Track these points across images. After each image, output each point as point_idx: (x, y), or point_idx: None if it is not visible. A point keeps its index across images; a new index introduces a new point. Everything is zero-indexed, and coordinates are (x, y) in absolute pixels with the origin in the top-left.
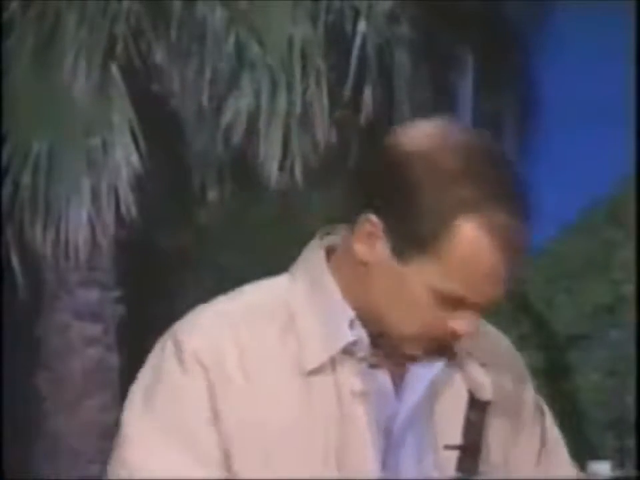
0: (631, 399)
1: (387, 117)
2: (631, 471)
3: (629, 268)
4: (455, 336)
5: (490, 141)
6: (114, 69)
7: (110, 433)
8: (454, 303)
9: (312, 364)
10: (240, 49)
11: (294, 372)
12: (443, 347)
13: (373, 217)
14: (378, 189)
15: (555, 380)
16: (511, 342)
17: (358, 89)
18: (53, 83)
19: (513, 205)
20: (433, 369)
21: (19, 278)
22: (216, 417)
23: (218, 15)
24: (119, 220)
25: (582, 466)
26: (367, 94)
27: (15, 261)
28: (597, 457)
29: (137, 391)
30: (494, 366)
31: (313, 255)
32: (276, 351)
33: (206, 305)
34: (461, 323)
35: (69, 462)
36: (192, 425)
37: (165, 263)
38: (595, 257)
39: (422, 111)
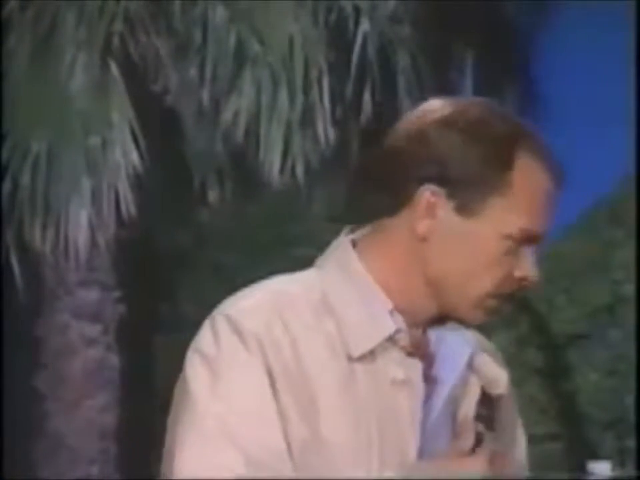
0: (630, 399)
1: (387, 116)
2: (630, 471)
3: (628, 268)
4: (524, 283)
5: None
6: (113, 68)
7: (110, 432)
8: (523, 242)
9: (358, 351)
10: (241, 47)
11: (338, 358)
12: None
13: (433, 187)
14: (426, 157)
15: (554, 380)
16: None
17: (359, 88)
18: (52, 82)
19: (541, 139)
20: (461, 360)
21: (19, 278)
22: (275, 396)
23: (219, 14)
24: (118, 220)
25: (582, 465)
26: (368, 93)
27: (14, 261)
28: (597, 456)
29: (199, 372)
30: (495, 358)
31: (341, 248)
32: (319, 337)
33: (242, 292)
34: (527, 268)
35: (69, 462)
36: (265, 405)
37: (164, 263)
38: (595, 257)
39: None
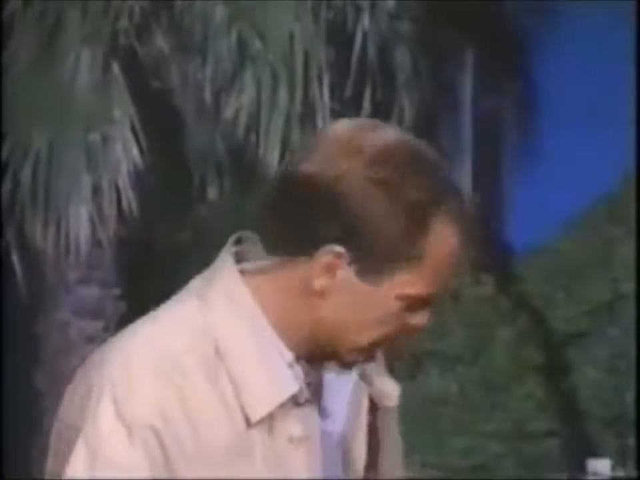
0: (630, 397)
1: (387, 114)
2: (630, 469)
3: (628, 266)
4: (414, 331)
5: (412, 139)
6: (115, 65)
7: None
8: (422, 302)
9: (256, 415)
10: (241, 44)
11: (235, 423)
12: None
13: (338, 248)
14: (335, 219)
15: (554, 377)
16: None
17: (359, 85)
18: (53, 78)
19: (460, 194)
20: (347, 387)
21: (19, 275)
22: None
23: (219, 11)
24: (119, 216)
25: (582, 463)
26: (368, 90)
27: (15, 258)
28: (597, 454)
29: (75, 459)
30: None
31: (230, 279)
32: (211, 396)
33: (127, 344)
34: (421, 317)
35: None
36: None
37: (164, 260)
38: (594, 255)
39: (422, 108)
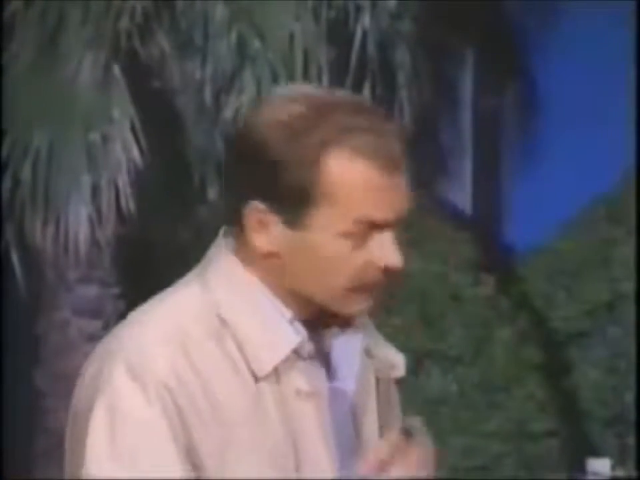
0: (630, 397)
1: (387, 114)
2: (630, 469)
3: (628, 265)
4: (389, 272)
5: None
6: (114, 65)
7: None
8: (368, 232)
9: (262, 370)
10: (241, 44)
11: (245, 381)
12: (374, 297)
13: (256, 203)
14: (247, 175)
15: (554, 377)
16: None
17: (359, 85)
18: (53, 77)
19: (372, 123)
20: (356, 350)
21: (19, 274)
22: (187, 436)
23: (219, 11)
24: (118, 216)
25: (582, 463)
26: (368, 89)
27: (14, 257)
28: (597, 454)
29: (98, 436)
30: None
31: (222, 258)
32: (218, 358)
33: (135, 323)
34: (386, 255)
35: None
36: (163, 459)
37: (164, 260)
38: (594, 255)
39: (422, 108)
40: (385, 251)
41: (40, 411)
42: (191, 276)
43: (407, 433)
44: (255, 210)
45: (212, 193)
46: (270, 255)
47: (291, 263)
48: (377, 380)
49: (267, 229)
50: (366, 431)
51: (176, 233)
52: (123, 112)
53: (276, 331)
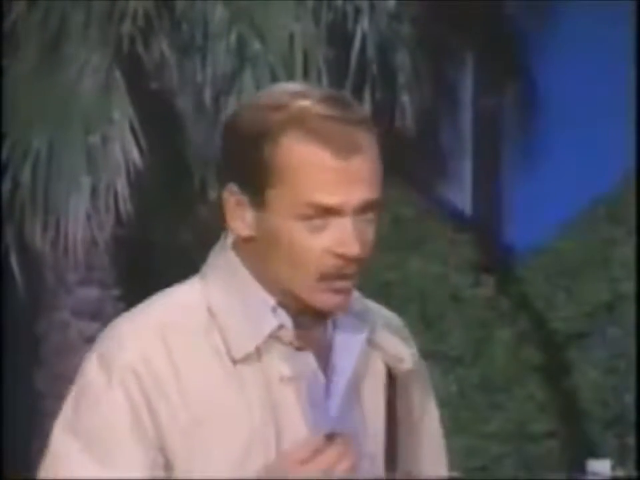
0: (630, 397)
1: (387, 115)
2: (630, 469)
3: (628, 266)
4: (347, 258)
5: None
6: (115, 67)
7: None
8: (322, 217)
9: (239, 352)
10: (241, 45)
11: (222, 364)
12: (343, 288)
13: (232, 185)
14: (225, 158)
15: (554, 378)
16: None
17: (358, 86)
18: (53, 80)
19: (337, 111)
20: (357, 345)
21: (18, 276)
22: (154, 420)
23: (219, 12)
24: (118, 218)
25: (582, 464)
26: (367, 91)
27: (14, 259)
28: (597, 454)
29: (64, 408)
30: (399, 333)
31: (221, 252)
32: (202, 348)
33: (123, 316)
34: (345, 242)
35: None
36: (117, 439)
37: (164, 261)
38: (594, 255)
39: (422, 108)
40: (343, 238)
41: (40, 412)
42: (200, 272)
43: (331, 437)
44: (230, 192)
45: (212, 194)
46: (248, 239)
47: (265, 249)
48: (392, 374)
49: (242, 212)
50: (367, 422)
51: (176, 234)
52: (122, 113)
53: (255, 317)
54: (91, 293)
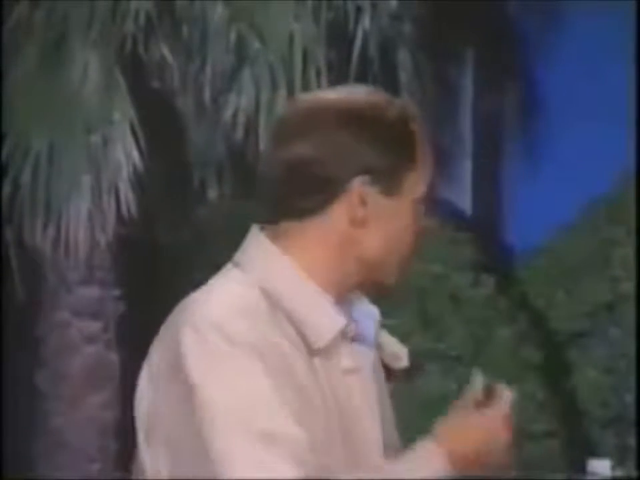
0: (630, 397)
1: None
2: (631, 469)
3: (628, 266)
4: (423, 232)
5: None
6: (115, 67)
7: (110, 430)
8: (423, 201)
9: (318, 343)
10: (241, 45)
11: (300, 353)
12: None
13: (360, 177)
14: (350, 157)
15: (554, 377)
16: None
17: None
18: (54, 80)
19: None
20: (371, 322)
21: (19, 276)
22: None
23: (219, 11)
24: (118, 217)
25: (582, 464)
26: None
27: (14, 259)
28: (597, 454)
29: (208, 384)
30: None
31: (263, 247)
32: (285, 336)
33: (196, 300)
34: (424, 218)
35: (68, 459)
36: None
37: (164, 261)
38: (594, 255)
39: (423, 108)
40: (426, 221)
41: (40, 412)
42: (228, 266)
43: (490, 392)
44: (358, 184)
45: (211, 194)
46: (359, 227)
47: (376, 233)
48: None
49: (365, 201)
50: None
51: (176, 233)
52: (123, 113)
53: (326, 311)
54: (92, 292)
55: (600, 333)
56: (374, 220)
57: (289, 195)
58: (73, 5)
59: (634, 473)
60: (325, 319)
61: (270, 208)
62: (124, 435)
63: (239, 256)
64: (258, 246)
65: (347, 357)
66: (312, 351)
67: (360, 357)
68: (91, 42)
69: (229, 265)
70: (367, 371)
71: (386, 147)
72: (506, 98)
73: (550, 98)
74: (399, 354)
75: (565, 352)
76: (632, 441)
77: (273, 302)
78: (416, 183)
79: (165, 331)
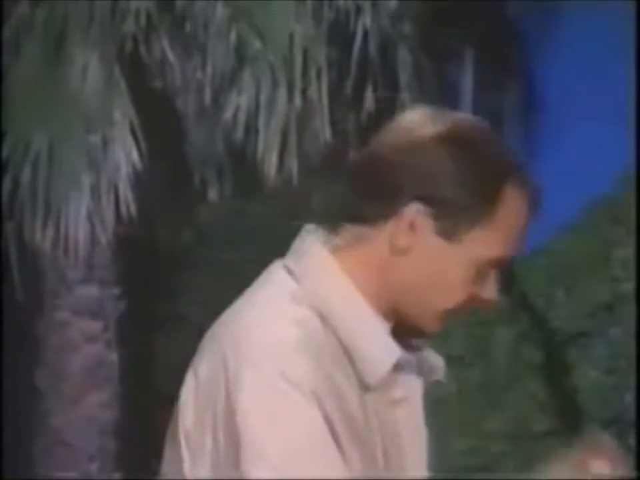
0: (630, 397)
1: (388, 114)
2: (630, 470)
3: (628, 266)
4: (486, 305)
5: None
6: (115, 67)
7: (110, 429)
8: (491, 267)
9: (373, 379)
10: (241, 45)
11: (352, 386)
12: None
13: (421, 205)
14: (422, 177)
15: (554, 377)
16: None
17: (360, 86)
18: (54, 79)
19: (526, 171)
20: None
21: (19, 275)
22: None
23: (219, 12)
24: (118, 217)
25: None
26: (369, 91)
27: (14, 258)
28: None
29: (270, 444)
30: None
31: (323, 262)
32: (342, 371)
33: (247, 316)
34: (491, 291)
35: (68, 458)
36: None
37: (164, 260)
38: (594, 255)
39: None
40: (491, 286)
41: (40, 411)
42: (276, 272)
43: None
44: (416, 211)
45: (212, 193)
46: (397, 253)
47: (414, 267)
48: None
49: (415, 231)
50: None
51: (176, 233)
52: (123, 113)
53: (381, 341)
54: (91, 291)
55: (600, 333)
56: (416, 253)
57: (357, 194)
58: (73, 4)
59: (634, 473)
60: (381, 353)
61: (333, 207)
62: (123, 434)
63: (292, 263)
64: (318, 260)
65: (397, 387)
66: (364, 385)
67: (410, 385)
68: (91, 42)
69: (279, 268)
70: (417, 399)
71: (463, 187)
72: (506, 97)
73: (550, 97)
74: (435, 365)
75: (565, 352)
76: (632, 441)
77: (328, 328)
78: (484, 243)
79: (211, 344)
